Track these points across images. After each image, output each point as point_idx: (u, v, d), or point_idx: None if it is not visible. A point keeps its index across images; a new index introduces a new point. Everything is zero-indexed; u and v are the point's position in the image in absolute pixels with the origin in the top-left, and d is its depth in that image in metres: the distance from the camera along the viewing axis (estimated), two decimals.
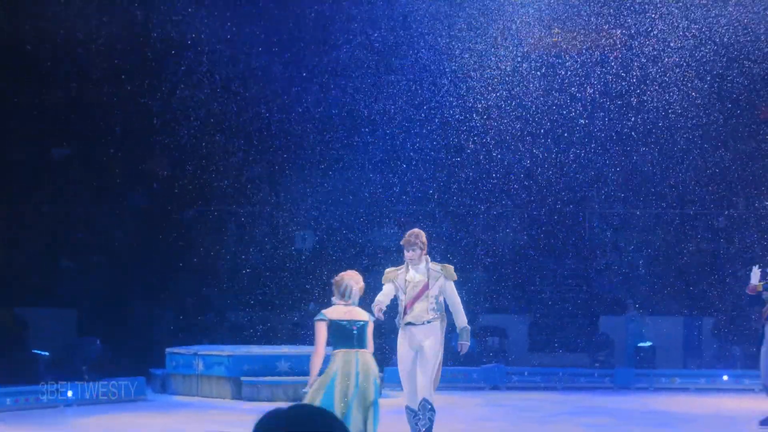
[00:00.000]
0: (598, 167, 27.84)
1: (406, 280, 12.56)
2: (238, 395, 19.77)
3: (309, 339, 24.63)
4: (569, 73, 26.55)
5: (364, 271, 25.42)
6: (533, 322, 26.62)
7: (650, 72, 27.35)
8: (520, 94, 26.32)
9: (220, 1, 26.25)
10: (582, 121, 27.21)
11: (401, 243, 12.62)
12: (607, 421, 17.09)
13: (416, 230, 12.70)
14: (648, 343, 25.21)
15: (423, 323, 12.44)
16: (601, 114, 27.51)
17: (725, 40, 26.14)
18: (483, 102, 26.19)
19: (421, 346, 12.40)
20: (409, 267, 12.54)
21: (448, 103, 26.41)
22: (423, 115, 26.67)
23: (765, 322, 12.77)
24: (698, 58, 26.52)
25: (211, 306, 26.50)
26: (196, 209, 27.13)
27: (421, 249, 12.45)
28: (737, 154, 29.35)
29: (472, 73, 26.20)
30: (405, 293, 12.54)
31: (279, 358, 20.54)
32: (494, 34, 25.94)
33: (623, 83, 26.91)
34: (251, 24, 26.35)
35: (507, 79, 26.15)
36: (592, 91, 27.02)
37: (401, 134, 26.84)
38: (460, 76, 26.32)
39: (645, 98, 27.49)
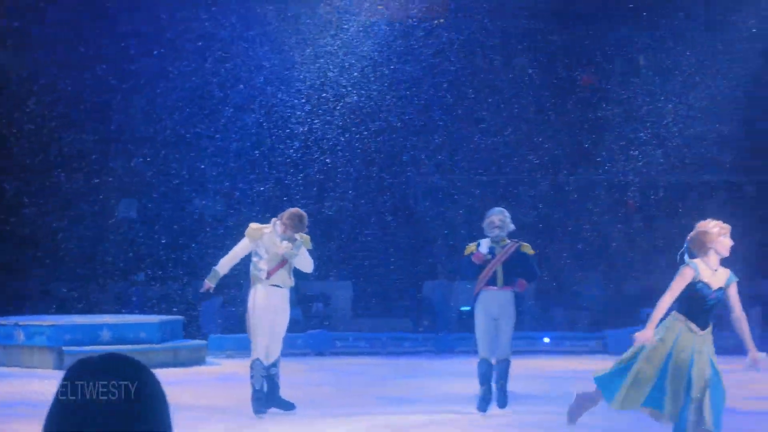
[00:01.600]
0: (424, 135, 28.10)
1: (273, 243, 13.20)
2: (60, 365, 19.41)
3: (134, 309, 24.44)
4: (398, 42, 26.67)
5: (189, 240, 25.31)
6: (357, 288, 26.74)
7: (474, 46, 27.76)
8: (349, 65, 26.34)
9: None
10: (406, 92, 27.41)
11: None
12: (430, 383, 17.29)
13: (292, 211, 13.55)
14: (469, 308, 25.58)
15: (285, 287, 13.39)
16: (427, 83, 27.73)
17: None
18: (307, 76, 26.16)
19: (280, 309, 13.36)
20: (277, 232, 13.26)
21: (269, 79, 26.29)
22: (242, 87, 26.47)
23: (480, 290, 13.04)
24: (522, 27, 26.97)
25: (32, 276, 25.91)
26: (18, 179, 26.44)
27: (285, 225, 13.28)
28: (559, 122, 29.99)
29: (293, 49, 26.14)
30: (268, 253, 13.18)
31: (101, 328, 20.25)
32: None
33: (442, 53, 27.18)
34: None
35: (335, 51, 26.15)
36: (411, 60, 27.19)
37: (226, 107, 26.63)
38: (276, 47, 26.22)
39: (471, 71, 27.88)
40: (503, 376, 13.62)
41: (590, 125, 30.38)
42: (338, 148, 26.93)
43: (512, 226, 13.49)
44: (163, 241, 25.68)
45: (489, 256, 13.25)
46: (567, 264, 27.89)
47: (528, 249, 13.50)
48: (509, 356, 13.64)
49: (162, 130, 26.80)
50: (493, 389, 13.65)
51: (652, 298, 27.00)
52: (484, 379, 13.55)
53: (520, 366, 20.24)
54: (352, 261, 27.15)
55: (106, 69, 26.04)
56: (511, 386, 16.47)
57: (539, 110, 29.58)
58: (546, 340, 24.63)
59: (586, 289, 27.08)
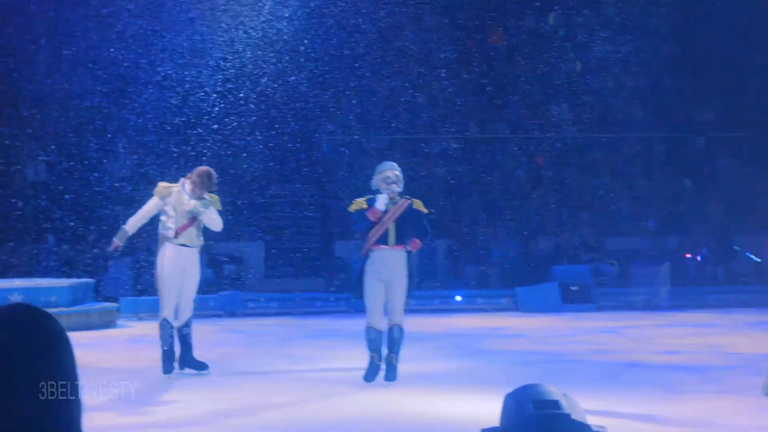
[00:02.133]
0: (334, 95, 28.02)
1: (181, 201, 13.08)
2: None
3: (45, 273, 24.12)
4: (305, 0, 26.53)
5: (99, 202, 25.02)
6: (269, 248, 26.66)
7: (383, 4, 27.70)
8: (253, 25, 26.15)
9: None
10: (316, 51, 27.29)
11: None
12: (341, 342, 17.32)
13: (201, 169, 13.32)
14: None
15: (194, 246, 13.25)
16: (336, 43, 27.63)
17: None
18: (211, 35, 25.96)
19: (189, 269, 13.19)
20: (185, 191, 13.09)
21: (176, 37, 26.05)
22: (151, 44, 26.18)
23: (370, 249, 12.30)
24: None
25: None
26: None
27: (193, 184, 13.10)
28: (469, 80, 30.07)
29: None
30: (176, 211, 13.05)
31: (12, 292, 19.97)
32: None
33: (350, 12, 27.11)
34: None
35: (240, 11, 25.95)
36: (318, 19, 27.07)
37: (132, 66, 26.33)
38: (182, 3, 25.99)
39: (380, 30, 27.84)
40: (395, 345, 12.24)
41: (500, 83, 30.50)
42: (248, 108, 26.75)
43: (403, 183, 12.35)
44: (73, 204, 25.38)
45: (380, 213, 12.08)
46: (478, 222, 28.04)
47: (421, 206, 12.27)
48: (402, 322, 12.26)
49: (73, 95, 26.49)
50: (383, 356, 12.26)
51: (562, 255, 27.31)
52: (374, 346, 12.19)
53: (432, 324, 20.46)
54: (263, 222, 27.05)
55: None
56: (425, 344, 16.58)
57: (449, 68, 29.62)
58: (458, 298, 24.77)
59: (497, 247, 27.25)
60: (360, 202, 12.27)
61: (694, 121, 32.36)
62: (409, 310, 22.92)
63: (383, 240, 12.10)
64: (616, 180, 29.95)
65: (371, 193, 12.40)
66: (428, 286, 25.89)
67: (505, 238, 27.42)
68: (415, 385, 12.21)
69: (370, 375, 12.21)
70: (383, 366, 12.23)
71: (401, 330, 12.28)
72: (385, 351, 12.26)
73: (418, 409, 10.73)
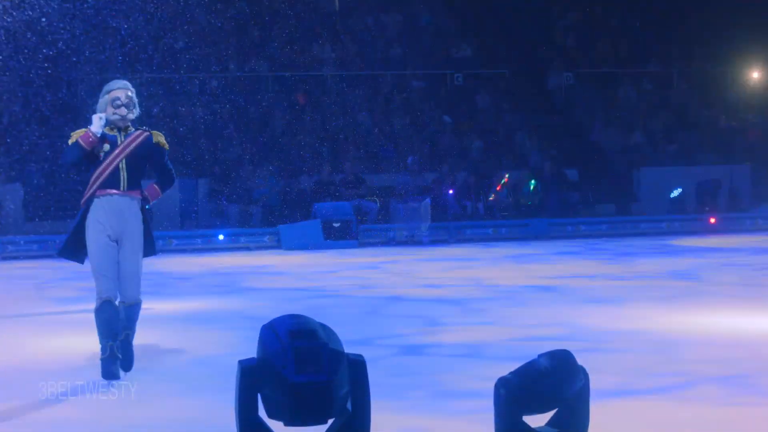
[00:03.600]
0: (94, 33, 27.27)
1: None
2: None
3: None
4: None
5: None
6: (27, 192, 25.87)
7: None
8: None
9: None
10: None
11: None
12: None
13: None
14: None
15: None
16: None
17: None
18: None
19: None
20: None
21: None
22: None
23: (93, 195, 8.92)
24: None
25: None
26: None
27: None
28: (229, 18, 29.74)
29: None
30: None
31: None
32: None
33: None
34: None
35: None
36: None
37: None
38: None
39: None
40: (128, 325, 8.95)
41: (260, 21, 30.29)
42: (3, 46, 25.81)
43: (138, 110, 9.24)
44: None
45: (107, 147, 8.95)
46: (239, 160, 27.86)
47: (162, 140, 9.28)
48: (138, 298, 9.01)
49: None
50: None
51: (324, 192, 27.38)
52: (109, 331, 8.79)
53: (195, 263, 20.29)
54: (20, 165, 26.21)
55: None
56: (187, 284, 16.43)
57: (209, 7, 29.22)
58: (220, 237, 24.62)
59: (259, 185, 27.16)
60: (79, 132, 9.00)
61: (452, 59, 32.88)
62: (171, 251, 22.76)
63: (112, 182, 8.89)
64: (376, 117, 30.20)
65: None
66: (190, 225, 25.69)
67: (267, 176, 27.33)
68: (177, 326, 12.07)
69: (110, 371, 8.69)
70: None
71: (138, 307, 9.05)
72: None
73: (178, 346, 10.60)
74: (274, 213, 26.06)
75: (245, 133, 28.82)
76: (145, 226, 9.11)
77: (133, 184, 8.98)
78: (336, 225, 24.50)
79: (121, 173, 8.94)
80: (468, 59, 33.11)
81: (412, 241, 24.88)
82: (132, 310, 8.94)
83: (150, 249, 9.18)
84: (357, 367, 3.50)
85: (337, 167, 28.03)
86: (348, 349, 3.46)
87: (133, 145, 9.04)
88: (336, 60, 31.39)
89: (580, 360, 3.87)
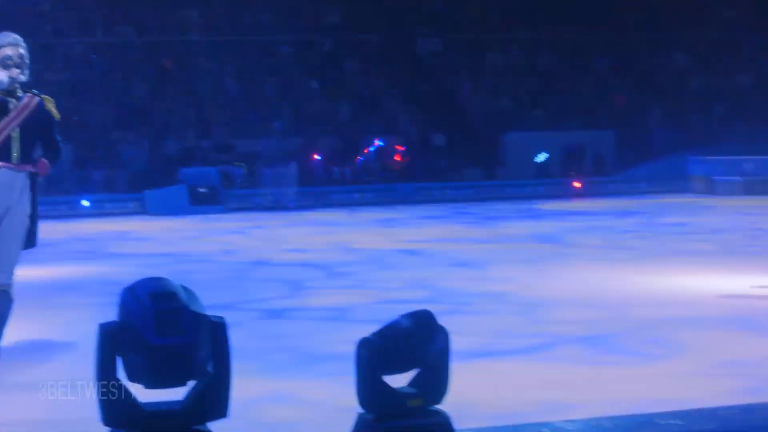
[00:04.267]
0: None
1: None
2: None
3: None
4: None
5: None
6: None
7: None
8: None
9: None
10: None
11: None
12: None
13: None
14: None
15: None
16: None
17: None
18: None
19: None
20: None
21: None
22: None
23: None
24: None
25: None
26: None
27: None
28: None
29: None
30: None
31: None
32: None
33: None
34: None
35: None
36: None
37: None
38: None
39: None
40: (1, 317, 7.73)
41: None
42: None
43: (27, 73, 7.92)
44: None
45: None
46: (105, 125, 27.46)
47: (53, 108, 7.96)
48: (10, 283, 7.67)
49: None
50: None
51: (191, 158, 27.15)
52: None
53: (59, 230, 19.94)
54: None
55: None
56: (51, 250, 16.16)
57: None
58: (85, 203, 24.26)
59: (124, 150, 26.81)
60: None
61: (321, 24, 32.81)
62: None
63: (2, 154, 7.67)
64: (243, 83, 30.00)
65: None
66: (55, 191, 25.24)
67: (133, 141, 26.99)
68: (38, 293, 11.86)
69: None
70: None
71: (9, 298, 7.74)
72: None
73: (38, 312, 10.42)
74: (139, 178, 25.76)
75: (111, 98, 28.40)
76: (33, 210, 7.83)
77: (26, 157, 7.74)
78: (202, 190, 24.33)
79: (14, 144, 7.71)
80: (337, 25, 33.07)
81: (278, 206, 24.82)
82: (4, 302, 7.66)
83: (33, 236, 7.89)
84: (218, 329, 3.49)
85: (205, 133, 27.80)
86: (213, 314, 3.46)
87: (26, 111, 7.76)
88: (203, 25, 31.09)
89: (443, 322, 3.91)
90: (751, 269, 12.47)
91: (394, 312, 3.89)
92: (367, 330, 3.80)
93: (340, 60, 32.38)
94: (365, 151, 28.47)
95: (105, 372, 3.38)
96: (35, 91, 7.94)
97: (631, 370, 7.24)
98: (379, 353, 3.60)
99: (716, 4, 36.44)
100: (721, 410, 4.27)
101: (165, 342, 3.35)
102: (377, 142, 28.72)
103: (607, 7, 34.98)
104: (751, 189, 26.48)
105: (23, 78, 7.86)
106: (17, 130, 7.70)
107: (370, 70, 32.31)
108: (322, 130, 28.99)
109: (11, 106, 7.72)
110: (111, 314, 3.42)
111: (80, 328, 9.17)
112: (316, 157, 28.04)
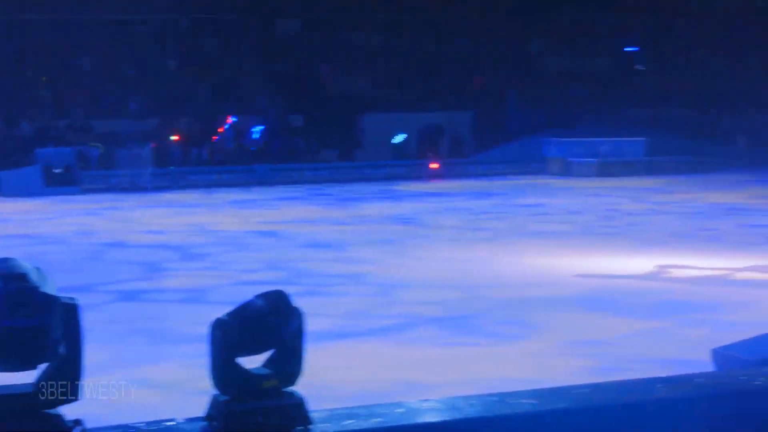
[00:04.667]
0: None
1: None
2: None
3: None
4: None
5: None
6: None
7: None
8: None
9: None
10: None
11: None
12: None
13: None
14: None
15: None
16: None
17: None
18: None
19: None
20: None
21: None
22: None
23: None
24: None
25: None
26: None
27: None
28: None
29: None
30: None
31: None
32: None
33: None
34: None
35: None
36: None
37: None
38: None
39: None
40: None
41: None
42: None
43: None
44: None
45: None
46: None
47: None
48: None
49: None
50: None
51: (46, 138, 26.64)
52: None
53: None
54: None
55: None
56: None
57: None
58: None
59: None
60: None
61: (179, 3, 32.43)
62: None
63: None
64: (100, 62, 29.54)
65: None
66: None
67: None
68: None
69: None
70: None
71: None
72: None
73: None
74: None
75: None
76: None
77: None
78: (57, 171, 23.88)
79: None
80: (195, 3, 32.73)
81: (134, 187, 24.48)
82: None
83: None
84: (70, 311, 3.43)
85: (62, 113, 27.31)
86: (66, 295, 3.40)
87: None
88: (59, 4, 30.49)
89: (299, 303, 3.91)
90: (605, 250, 12.75)
91: (250, 293, 3.87)
92: (223, 311, 3.78)
93: (198, 40, 32.09)
94: (220, 129, 28.26)
95: None
96: None
97: (485, 350, 7.34)
98: (232, 334, 3.58)
99: None
100: (573, 389, 4.35)
101: (15, 324, 3.28)
102: (231, 119, 28.55)
103: None
104: (605, 170, 26.99)
105: None
106: None
107: (229, 50, 32.07)
108: (179, 111, 28.68)
109: None
110: None
111: None
112: (173, 137, 27.75)
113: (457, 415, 3.87)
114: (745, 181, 24.79)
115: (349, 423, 3.66)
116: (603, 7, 36.64)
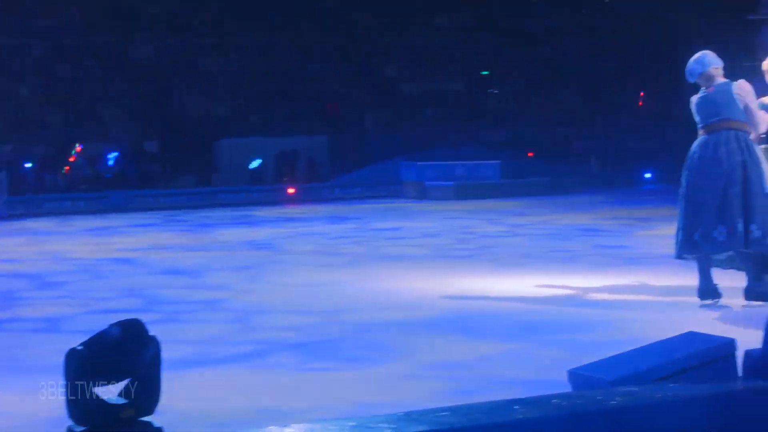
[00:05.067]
0: None
1: None
2: None
3: None
4: None
5: None
6: None
7: None
8: None
9: None
10: None
11: None
12: None
13: None
14: None
15: None
16: None
17: None
18: None
19: None
20: None
21: None
22: None
23: None
24: None
25: None
26: None
27: None
28: None
29: None
30: None
31: None
32: None
33: None
34: None
35: None
36: None
37: None
38: None
39: None
40: None
41: None
42: None
43: None
44: None
45: None
46: None
47: None
48: None
49: None
50: None
51: None
52: None
53: None
54: None
55: None
56: None
57: None
58: None
59: None
60: None
61: (31, 28, 31.98)
62: None
63: None
64: None
65: None
66: None
67: None
68: None
69: None
70: None
71: None
72: None
73: None
74: None
75: None
76: None
77: None
78: None
79: None
80: (49, 28, 32.29)
81: None
82: None
83: None
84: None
85: None
86: None
87: None
88: None
89: (156, 331, 3.91)
90: (463, 272, 12.90)
91: (106, 322, 3.86)
92: (79, 340, 3.76)
93: (52, 64, 31.63)
94: (71, 159, 27.88)
95: None
96: None
97: (343, 375, 7.38)
98: (87, 364, 3.57)
99: (427, 12, 37.41)
100: (431, 412, 4.42)
101: None
102: (79, 147, 28.17)
103: (337, 11, 35.41)
104: (462, 193, 27.30)
105: None
106: None
107: (83, 75, 31.69)
108: (33, 137, 28.24)
109: None
110: None
111: None
112: (27, 164, 27.29)
113: None
114: (598, 202, 25.35)
115: None
116: (457, 32, 37.18)
